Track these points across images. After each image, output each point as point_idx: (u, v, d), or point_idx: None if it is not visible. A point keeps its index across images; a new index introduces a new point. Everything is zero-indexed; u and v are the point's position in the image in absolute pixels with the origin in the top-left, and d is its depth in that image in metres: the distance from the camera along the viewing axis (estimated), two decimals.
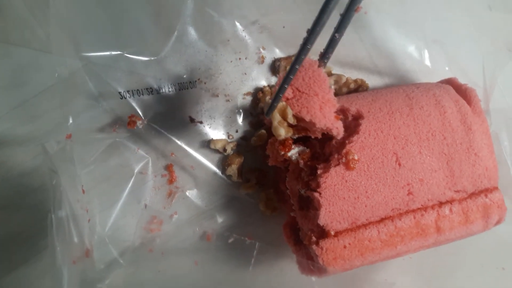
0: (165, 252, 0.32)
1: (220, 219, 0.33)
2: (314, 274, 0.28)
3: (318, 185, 0.26)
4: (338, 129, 0.24)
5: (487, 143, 0.28)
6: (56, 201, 0.24)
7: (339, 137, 0.25)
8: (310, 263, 0.28)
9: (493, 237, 0.29)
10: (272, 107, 0.23)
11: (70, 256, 0.24)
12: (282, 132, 0.24)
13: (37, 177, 0.30)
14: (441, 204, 0.28)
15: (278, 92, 0.23)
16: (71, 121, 0.28)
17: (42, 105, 0.29)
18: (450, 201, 0.28)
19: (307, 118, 0.23)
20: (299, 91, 0.24)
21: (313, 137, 0.26)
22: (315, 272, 0.28)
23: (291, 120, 0.24)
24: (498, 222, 0.29)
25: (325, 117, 0.23)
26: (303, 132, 0.25)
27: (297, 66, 0.22)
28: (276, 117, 0.24)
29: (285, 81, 0.23)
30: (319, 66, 0.24)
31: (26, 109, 0.29)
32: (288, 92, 0.24)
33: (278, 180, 0.33)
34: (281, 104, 0.24)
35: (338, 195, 0.26)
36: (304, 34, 0.21)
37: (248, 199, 0.33)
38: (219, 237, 0.32)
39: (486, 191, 0.28)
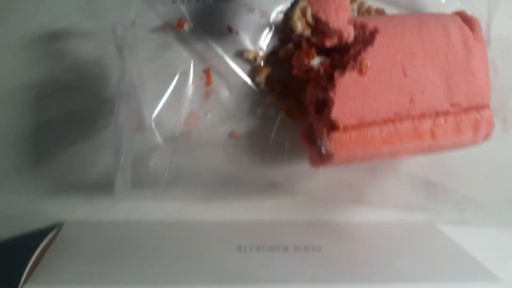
0: (200, 143, 0.37)
1: (247, 121, 0.38)
2: (322, 164, 0.34)
3: (333, 87, 0.31)
4: (349, 33, 0.29)
5: (484, 66, 0.33)
6: (121, 74, 0.29)
7: (349, 40, 0.30)
8: (319, 154, 0.33)
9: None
10: (295, 3, 0.28)
11: (129, 126, 0.30)
12: (299, 25, 0.29)
13: (99, 67, 0.35)
14: (437, 114, 0.33)
15: None
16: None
17: (106, 4, 0.34)
18: (446, 113, 0.33)
19: (323, 18, 0.28)
20: None
21: (328, 46, 0.31)
22: (324, 162, 0.33)
23: (310, 19, 0.29)
24: (485, 137, 0.34)
25: (339, 20, 0.28)
26: (321, 35, 0.30)
27: None
28: (297, 13, 0.29)
29: None
30: None
31: (91, 8, 0.35)
32: None
33: (300, 91, 0.38)
34: (303, 3, 0.29)
35: (349, 95, 0.31)
36: None
37: (272, 106, 0.38)
38: (245, 136, 0.38)
39: (478, 107, 0.33)
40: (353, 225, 0.39)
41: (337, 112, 0.31)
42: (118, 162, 0.29)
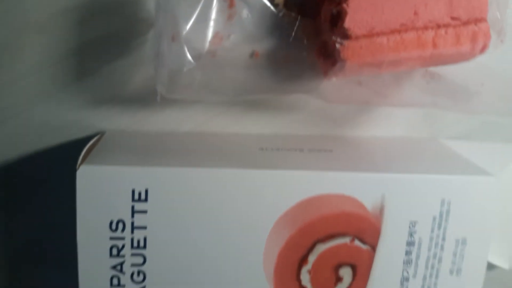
0: (224, 61, 0.42)
1: (266, 41, 0.42)
2: (335, 75, 0.38)
3: (346, 0, 0.35)
4: None
5: None
6: None
7: None
8: (333, 66, 0.37)
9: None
10: None
11: (166, 35, 0.34)
12: None
13: None
14: (439, 26, 0.36)
15: None
16: None
17: None
18: (447, 25, 0.36)
19: None
20: None
21: None
22: (336, 71, 0.37)
23: None
24: (482, 49, 0.38)
25: None
26: None
27: None
28: None
29: None
30: None
31: None
32: None
33: (316, 12, 0.41)
34: None
35: (361, 7, 0.35)
36: None
37: (290, 26, 0.42)
38: (264, 55, 0.42)
39: (476, 20, 0.37)
40: (363, 137, 0.44)
41: (350, 22, 0.35)
42: (157, 64, 0.33)
